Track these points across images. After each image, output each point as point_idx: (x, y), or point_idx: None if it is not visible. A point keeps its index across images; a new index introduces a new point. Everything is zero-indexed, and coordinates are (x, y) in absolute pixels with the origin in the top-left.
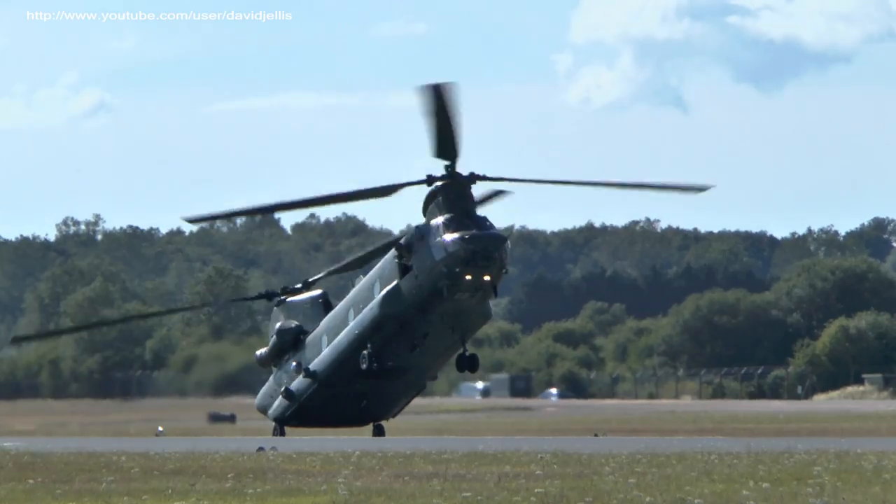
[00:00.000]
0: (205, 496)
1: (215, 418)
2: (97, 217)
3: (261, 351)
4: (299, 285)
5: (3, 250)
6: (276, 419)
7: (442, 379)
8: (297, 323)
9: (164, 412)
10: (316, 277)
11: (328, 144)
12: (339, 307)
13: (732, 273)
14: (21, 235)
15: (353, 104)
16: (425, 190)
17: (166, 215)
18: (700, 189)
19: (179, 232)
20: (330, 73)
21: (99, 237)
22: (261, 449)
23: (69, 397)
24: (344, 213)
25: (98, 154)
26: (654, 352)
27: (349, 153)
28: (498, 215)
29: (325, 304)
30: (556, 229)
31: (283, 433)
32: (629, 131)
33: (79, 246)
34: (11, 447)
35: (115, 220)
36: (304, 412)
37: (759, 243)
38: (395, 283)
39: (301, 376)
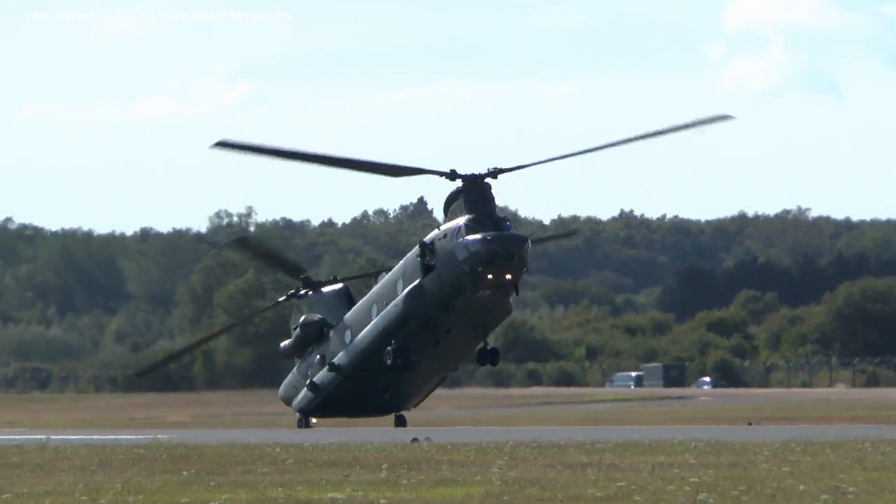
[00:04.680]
0: (359, 487)
1: None
2: (249, 209)
3: (285, 343)
4: (322, 280)
5: (155, 243)
6: (300, 410)
7: (595, 369)
8: (320, 316)
9: None
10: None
11: (481, 132)
12: (363, 302)
13: (885, 261)
14: (174, 228)
15: (506, 94)
16: (448, 184)
17: (318, 207)
18: (721, 118)
19: (332, 223)
20: (482, 62)
21: (251, 229)
22: (415, 439)
23: (223, 389)
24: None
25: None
26: (807, 340)
27: (498, 141)
28: (652, 205)
29: (347, 298)
30: (708, 218)
31: (307, 424)
32: (781, 119)
33: (231, 238)
34: (165, 439)
35: (267, 212)
36: (328, 404)
37: None
38: (418, 281)
39: (325, 369)
